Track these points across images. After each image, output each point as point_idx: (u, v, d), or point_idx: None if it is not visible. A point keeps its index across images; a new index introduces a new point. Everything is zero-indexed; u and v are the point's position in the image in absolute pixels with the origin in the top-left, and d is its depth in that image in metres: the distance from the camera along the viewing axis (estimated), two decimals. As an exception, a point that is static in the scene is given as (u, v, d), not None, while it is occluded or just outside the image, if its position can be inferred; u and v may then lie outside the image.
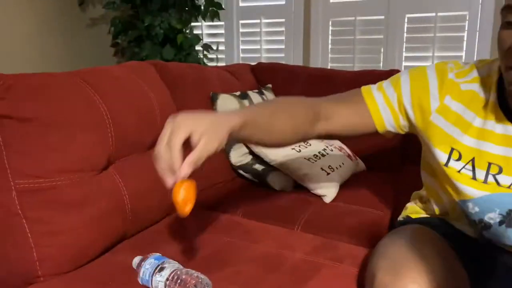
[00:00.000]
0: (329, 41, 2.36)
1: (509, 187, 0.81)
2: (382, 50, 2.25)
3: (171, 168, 0.67)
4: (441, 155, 0.87)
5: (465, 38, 2.05)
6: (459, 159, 0.84)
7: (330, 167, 1.47)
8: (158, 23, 2.23)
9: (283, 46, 2.47)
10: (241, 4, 2.53)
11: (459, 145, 0.85)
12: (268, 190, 1.49)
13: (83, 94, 1.03)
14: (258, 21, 2.50)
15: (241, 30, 2.57)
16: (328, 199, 1.40)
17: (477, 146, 0.83)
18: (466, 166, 0.84)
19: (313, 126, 0.89)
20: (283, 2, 2.41)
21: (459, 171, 0.84)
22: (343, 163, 1.53)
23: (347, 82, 1.80)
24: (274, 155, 1.47)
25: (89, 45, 2.57)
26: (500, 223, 0.83)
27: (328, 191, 1.40)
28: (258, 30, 2.51)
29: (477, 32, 2.02)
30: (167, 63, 1.52)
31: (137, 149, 1.16)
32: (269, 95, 1.81)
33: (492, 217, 0.84)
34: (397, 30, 2.19)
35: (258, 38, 2.52)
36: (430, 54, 2.13)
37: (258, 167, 1.53)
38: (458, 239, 0.92)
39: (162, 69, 1.45)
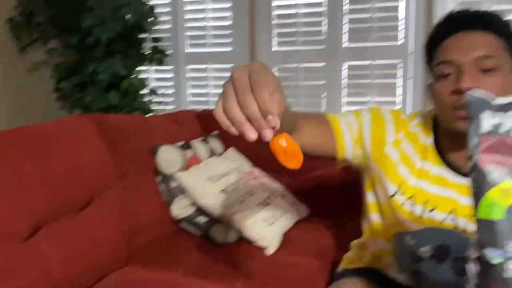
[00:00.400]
0: (274, 86, 2.43)
1: (441, 222, 0.90)
2: (323, 96, 2.35)
3: (255, 119, 0.54)
4: (391, 187, 0.95)
5: (399, 85, 2.18)
6: (403, 193, 0.94)
7: (272, 217, 1.48)
8: (103, 69, 2.21)
9: (230, 91, 2.50)
10: (189, 50, 2.57)
11: (405, 181, 0.94)
12: (211, 243, 1.47)
13: (8, 156, 0.99)
14: (205, 66, 2.54)
15: (189, 74, 2.60)
16: (270, 251, 1.40)
17: (418, 185, 0.93)
18: (407, 201, 0.93)
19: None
20: (230, 49, 2.48)
21: (402, 205, 0.93)
22: (285, 212, 1.55)
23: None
24: (217, 206, 1.47)
25: (31, 90, 2.49)
26: (431, 257, 0.90)
27: (270, 242, 1.41)
28: (206, 75, 2.55)
29: (411, 79, 2.16)
30: (106, 116, 1.50)
31: (68, 211, 1.11)
32: (215, 143, 1.82)
33: (425, 251, 0.91)
34: (337, 77, 2.30)
35: (206, 83, 2.56)
36: (368, 99, 2.24)
37: (201, 219, 1.51)
38: None
39: (101, 123, 1.42)
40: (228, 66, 2.45)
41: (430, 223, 0.91)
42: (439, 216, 0.90)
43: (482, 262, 0.50)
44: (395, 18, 2.17)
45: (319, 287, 1.23)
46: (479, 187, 0.51)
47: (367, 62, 2.23)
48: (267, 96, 0.52)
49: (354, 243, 1.19)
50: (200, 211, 1.52)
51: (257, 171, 1.73)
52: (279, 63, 2.41)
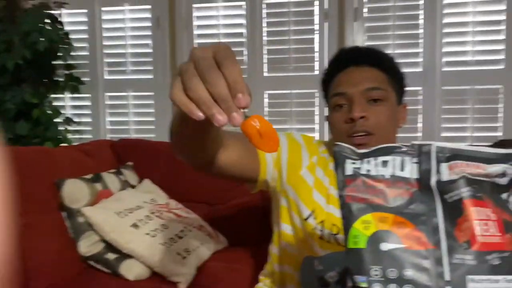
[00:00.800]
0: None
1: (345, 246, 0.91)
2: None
3: (224, 100, 0.48)
4: (305, 211, 0.96)
5: (317, 112, 2.28)
6: (315, 218, 0.95)
7: (186, 250, 1.44)
8: (9, 98, 2.07)
9: (153, 119, 2.46)
10: (107, 76, 2.50)
11: (319, 206, 0.96)
12: (122, 281, 1.40)
13: None
14: (125, 93, 2.48)
15: (108, 102, 2.51)
16: (183, 286, 1.36)
17: (327, 209, 0.95)
18: (318, 226, 0.94)
19: (218, 152, 0.83)
20: (151, 76, 2.45)
21: (313, 229, 0.95)
22: (202, 243, 1.52)
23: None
24: (127, 241, 1.40)
25: None
26: (337, 282, 0.91)
27: (183, 277, 1.37)
28: (125, 102, 2.48)
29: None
30: (7, 149, 1.39)
31: None
32: (128, 174, 1.76)
33: (332, 276, 0.92)
34: (258, 105, 2.35)
35: (126, 111, 2.49)
36: (289, 126, 2.31)
37: (111, 256, 1.44)
38: None
39: None
40: (149, 93, 2.43)
41: (337, 247, 0.94)
42: (343, 239, 0.94)
43: None
44: (311, 50, 2.29)
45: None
46: (347, 220, 0.56)
47: (287, 91, 2.31)
48: (237, 72, 0.47)
49: (262, 273, 1.19)
50: (110, 247, 1.44)
51: (173, 203, 1.69)
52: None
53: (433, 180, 0.55)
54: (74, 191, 1.47)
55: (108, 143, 1.93)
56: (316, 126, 2.29)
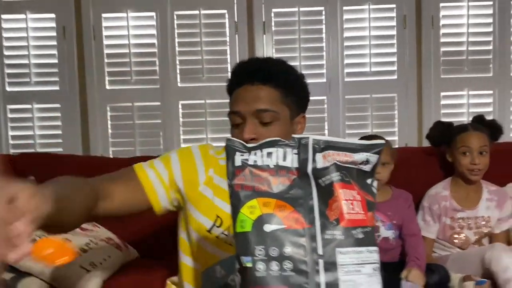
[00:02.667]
0: (109, 127, 2.39)
1: None
2: (161, 134, 2.40)
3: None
4: (206, 222, 0.99)
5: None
6: (219, 226, 0.98)
7: (92, 264, 1.42)
8: None
9: (60, 132, 2.38)
10: (8, 88, 2.38)
11: (222, 213, 0.99)
12: (20, 300, 1.34)
13: None
14: (29, 106, 2.37)
15: (10, 115, 2.39)
16: (86, 300, 1.34)
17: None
18: (224, 232, 0.98)
19: (96, 206, 0.88)
20: (57, 88, 2.37)
21: (217, 237, 0.98)
22: (109, 256, 1.51)
23: (116, 168, 1.82)
24: (25, 259, 1.35)
25: None
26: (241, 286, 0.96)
27: (87, 291, 1.35)
28: (30, 115, 2.38)
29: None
30: None
31: None
32: (30, 189, 1.69)
33: (235, 279, 0.96)
34: (173, 115, 2.38)
35: (30, 124, 2.38)
36: (204, 136, 2.37)
37: (7, 275, 1.37)
38: None
39: None
40: (55, 105, 2.35)
41: None
42: None
43: (241, 269, 0.62)
44: (224, 61, 2.38)
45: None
46: (235, 207, 0.63)
47: (201, 101, 2.37)
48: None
49: (172, 279, 1.21)
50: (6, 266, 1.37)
51: (79, 216, 1.65)
52: (113, 101, 2.39)
53: (309, 168, 0.64)
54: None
55: (7, 158, 1.84)
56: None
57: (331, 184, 0.62)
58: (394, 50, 2.39)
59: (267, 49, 2.39)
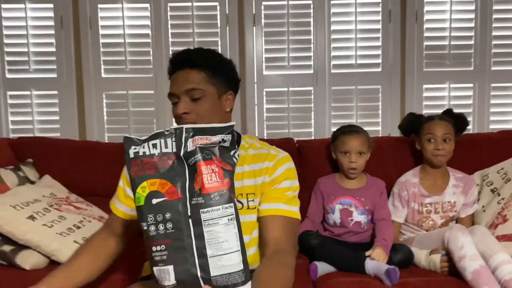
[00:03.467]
0: (105, 113, 2.52)
1: None
2: (154, 121, 2.52)
3: None
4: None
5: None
6: None
7: (84, 239, 1.55)
8: None
9: (57, 118, 2.50)
10: (8, 75, 2.49)
11: None
12: (20, 271, 1.48)
13: None
14: (28, 92, 2.49)
15: (9, 101, 2.51)
16: (80, 271, 1.47)
17: None
18: None
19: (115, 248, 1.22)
20: (55, 75, 2.49)
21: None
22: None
23: (110, 153, 1.96)
24: (23, 233, 1.49)
25: None
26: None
27: (80, 262, 1.48)
28: (29, 101, 2.50)
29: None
30: None
31: None
32: (28, 170, 1.82)
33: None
34: (167, 103, 2.49)
35: (29, 110, 2.50)
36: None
37: (6, 248, 1.51)
38: None
39: None
40: (53, 92, 2.47)
41: None
42: None
43: (142, 232, 0.85)
44: (215, 51, 2.49)
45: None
46: (133, 188, 0.86)
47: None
48: None
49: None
50: (5, 239, 1.51)
51: (73, 197, 1.79)
52: (108, 89, 2.51)
53: (182, 152, 0.85)
54: (-34, 186, 1.52)
55: (6, 141, 1.96)
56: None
57: (195, 163, 0.85)
58: (379, 43, 2.50)
59: (256, 41, 2.50)
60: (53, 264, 1.52)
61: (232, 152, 0.89)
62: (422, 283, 1.41)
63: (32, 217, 1.53)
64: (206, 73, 1.16)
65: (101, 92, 2.51)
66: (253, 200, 1.15)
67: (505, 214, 1.63)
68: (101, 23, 2.47)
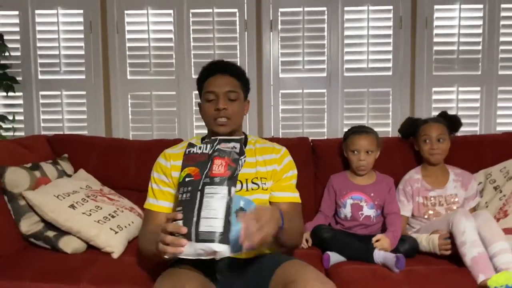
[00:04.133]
0: (129, 113, 2.70)
1: None
2: (176, 120, 2.70)
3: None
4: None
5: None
6: None
7: (119, 227, 1.73)
8: None
9: (85, 117, 2.69)
10: (40, 77, 2.69)
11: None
12: (61, 254, 1.66)
13: None
14: (58, 93, 2.68)
15: (41, 101, 2.70)
16: (116, 255, 1.65)
17: None
18: None
19: None
20: (83, 77, 2.68)
21: None
22: (132, 222, 1.82)
23: (138, 150, 2.14)
24: (65, 220, 1.67)
25: None
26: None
27: (116, 248, 1.66)
28: (59, 101, 2.69)
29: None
30: None
31: None
32: (64, 164, 2.01)
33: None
34: (188, 103, 2.67)
35: (59, 109, 2.69)
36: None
37: (50, 233, 1.69)
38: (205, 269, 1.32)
39: None
40: (82, 92, 2.66)
41: None
42: None
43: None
44: (234, 55, 2.65)
45: (155, 279, 1.51)
46: (181, 170, 1.29)
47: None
48: None
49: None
50: (49, 225, 1.69)
51: (106, 189, 1.97)
52: (133, 90, 2.69)
53: (210, 152, 1.26)
54: (15, 177, 1.70)
55: (44, 138, 2.15)
56: (238, 123, 2.65)
57: (213, 157, 1.24)
58: (390, 48, 2.64)
59: (273, 45, 2.66)
60: (90, 248, 1.69)
61: (240, 157, 1.26)
62: (429, 271, 1.55)
63: (72, 206, 1.71)
64: (240, 82, 1.48)
65: (127, 93, 2.69)
66: (265, 183, 1.48)
67: (506, 209, 1.77)
68: (127, 28, 2.66)
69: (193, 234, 1.15)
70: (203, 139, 1.56)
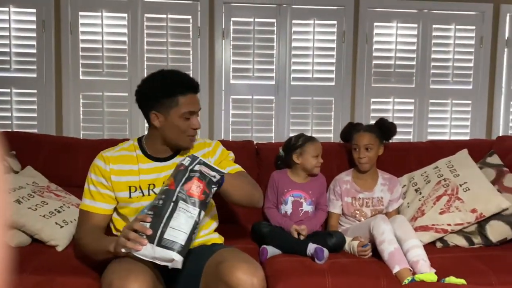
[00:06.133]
0: (81, 113, 2.75)
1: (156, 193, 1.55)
2: (127, 121, 2.78)
3: None
4: (125, 194, 1.54)
5: (189, 114, 2.77)
6: (135, 190, 1.55)
7: (64, 221, 1.80)
8: None
9: (35, 115, 2.72)
10: (-11, 73, 2.69)
11: (133, 183, 1.55)
12: (4, 248, 1.71)
13: None
14: (8, 90, 2.70)
15: (-10, 98, 2.71)
16: (60, 248, 1.73)
17: (140, 179, 1.55)
18: (138, 191, 1.55)
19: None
20: (35, 75, 2.71)
21: (137, 197, 1.55)
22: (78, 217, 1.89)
23: (87, 148, 2.21)
24: (10, 214, 1.72)
25: None
26: None
27: (60, 241, 1.74)
28: (8, 98, 2.70)
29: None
30: None
31: None
32: (11, 161, 2.05)
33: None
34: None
35: (8, 107, 2.71)
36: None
37: (-6, 227, 1.73)
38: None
39: None
40: (33, 91, 2.69)
41: (154, 196, 1.55)
42: (157, 190, 1.57)
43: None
44: (187, 60, 2.77)
45: (99, 269, 1.60)
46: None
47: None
48: None
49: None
50: (-7, 220, 1.73)
51: (53, 186, 2.03)
52: (85, 90, 2.75)
53: (191, 167, 1.39)
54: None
55: (-9, 134, 2.17)
56: (189, 126, 2.77)
57: (193, 176, 1.37)
58: (334, 60, 2.85)
59: (225, 53, 2.81)
60: (35, 242, 1.76)
61: (213, 186, 1.40)
62: (351, 262, 1.73)
63: (18, 201, 1.77)
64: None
65: (79, 93, 2.75)
66: None
67: (423, 209, 1.99)
68: (81, 29, 2.72)
69: (157, 238, 1.28)
70: (139, 140, 1.65)
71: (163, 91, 1.52)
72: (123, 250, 1.31)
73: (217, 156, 1.66)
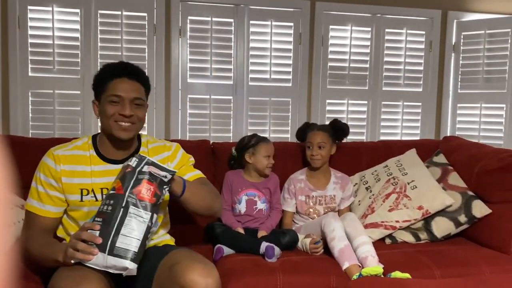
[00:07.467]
0: (30, 111, 2.65)
1: None
2: (80, 120, 2.70)
3: None
4: (76, 197, 1.46)
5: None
6: (87, 194, 1.47)
7: (12, 223, 1.72)
8: None
9: (-20, 113, 2.59)
10: None
11: (85, 185, 1.47)
12: None
13: None
14: (-51, 86, 2.55)
15: None
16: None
17: (92, 182, 1.48)
18: (90, 195, 1.47)
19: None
20: (-21, 71, 2.58)
21: (89, 200, 1.48)
22: (23, 219, 1.81)
23: (35, 148, 2.12)
24: None
25: None
26: None
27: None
28: (-50, 95, 2.56)
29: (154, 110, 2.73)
30: None
31: None
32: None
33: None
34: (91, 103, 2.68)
35: (-50, 103, 2.56)
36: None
37: None
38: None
39: None
40: (-23, 87, 2.54)
41: None
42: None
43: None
44: (143, 58, 2.72)
45: (45, 273, 1.54)
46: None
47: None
48: None
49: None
50: None
51: None
52: (35, 88, 2.64)
53: (138, 168, 1.30)
54: None
55: None
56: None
57: (142, 179, 1.29)
58: (290, 62, 2.89)
59: (182, 51, 2.78)
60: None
61: (165, 187, 1.34)
62: (302, 260, 1.76)
63: None
64: (145, 88, 1.52)
65: (27, 90, 2.64)
66: None
67: (373, 206, 2.06)
68: (30, 23, 2.61)
69: (108, 247, 1.22)
70: (93, 137, 1.57)
71: (97, 77, 1.51)
72: (72, 262, 1.25)
73: (177, 161, 1.60)
